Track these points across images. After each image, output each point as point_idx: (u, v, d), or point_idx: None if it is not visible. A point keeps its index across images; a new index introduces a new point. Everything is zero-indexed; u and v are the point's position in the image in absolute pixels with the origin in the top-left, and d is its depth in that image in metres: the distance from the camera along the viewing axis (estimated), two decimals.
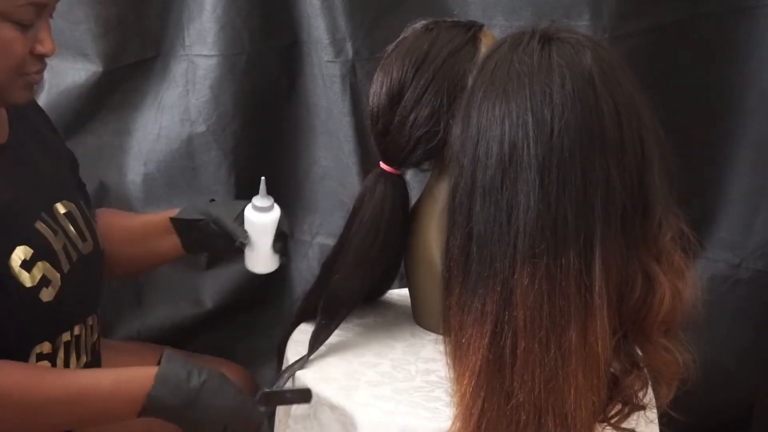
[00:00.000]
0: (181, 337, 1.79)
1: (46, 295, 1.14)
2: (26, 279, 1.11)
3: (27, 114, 1.26)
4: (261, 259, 1.33)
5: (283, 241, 1.36)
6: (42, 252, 1.14)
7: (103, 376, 1.14)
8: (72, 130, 1.79)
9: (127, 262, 1.41)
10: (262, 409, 1.17)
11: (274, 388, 1.19)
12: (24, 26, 1.09)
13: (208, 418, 1.13)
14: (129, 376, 1.13)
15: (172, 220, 1.37)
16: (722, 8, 1.60)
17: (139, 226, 1.42)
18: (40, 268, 1.13)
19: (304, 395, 1.17)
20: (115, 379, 1.12)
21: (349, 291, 1.29)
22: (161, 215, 1.41)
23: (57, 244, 1.17)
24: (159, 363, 1.13)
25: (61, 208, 1.22)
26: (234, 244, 1.32)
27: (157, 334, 1.79)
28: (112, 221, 1.40)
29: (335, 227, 1.65)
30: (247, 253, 1.33)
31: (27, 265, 1.12)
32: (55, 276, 1.15)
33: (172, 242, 1.38)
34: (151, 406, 1.11)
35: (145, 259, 1.44)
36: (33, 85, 1.17)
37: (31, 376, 1.10)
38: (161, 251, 1.40)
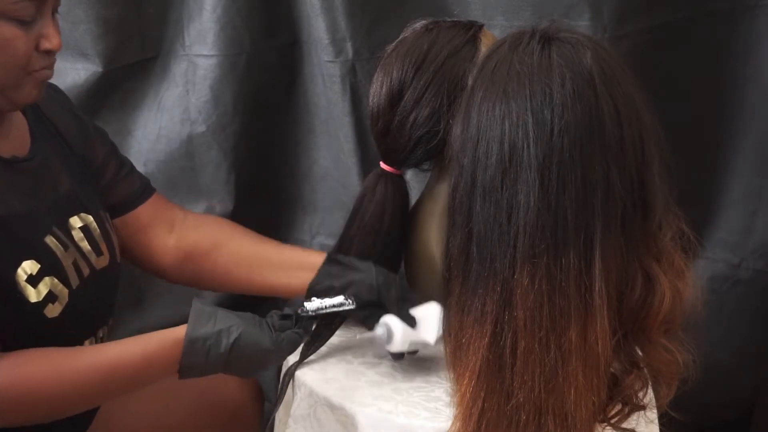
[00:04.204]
0: None
1: (52, 311, 1.12)
2: (31, 294, 1.10)
3: (53, 124, 1.24)
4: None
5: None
6: (49, 267, 1.12)
7: (132, 349, 1.12)
8: None
9: (233, 285, 1.35)
10: (303, 334, 1.16)
11: (310, 312, 1.16)
12: (25, 23, 1.07)
13: (246, 368, 1.13)
14: (158, 345, 1.11)
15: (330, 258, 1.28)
16: (722, 7, 1.60)
17: (286, 257, 1.32)
18: (46, 284, 1.11)
19: (344, 309, 1.16)
20: (145, 350, 1.11)
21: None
22: (310, 255, 1.31)
23: (66, 260, 1.15)
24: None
25: (76, 222, 1.20)
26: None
27: None
28: (241, 246, 1.34)
29: (335, 227, 1.65)
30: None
31: (33, 280, 1.10)
32: (63, 292, 1.13)
33: (300, 279, 1.28)
34: (185, 372, 1.11)
35: (252, 289, 1.36)
36: (43, 82, 1.13)
37: (57, 361, 1.08)
38: (279, 287, 1.31)
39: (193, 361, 1.10)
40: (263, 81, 1.77)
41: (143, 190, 1.36)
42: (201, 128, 1.77)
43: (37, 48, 1.10)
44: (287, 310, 1.17)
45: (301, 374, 1.21)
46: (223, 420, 1.44)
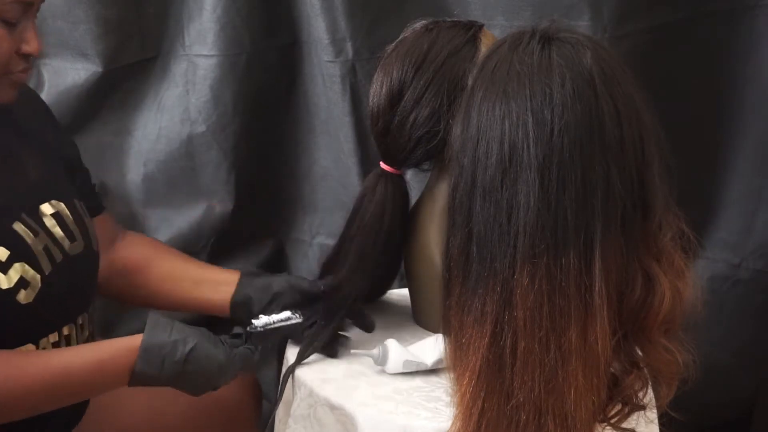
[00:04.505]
0: None
1: (24, 297, 1.12)
2: (2, 281, 1.10)
3: (19, 113, 1.25)
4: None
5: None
6: (19, 253, 1.13)
7: (85, 355, 1.13)
8: (72, 130, 1.79)
9: (150, 299, 1.38)
10: (255, 350, 1.17)
11: (259, 328, 1.18)
12: (10, 24, 1.09)
13: (198, 382, 1.14)
14: (111, 352, 1.12)
15: (245, 271, 1.36)
16: (722, 7, 1.60)
17: (206, 275, 1.38)
18: (17, 270, 1.11)
19: (292, 323, 1.18)
20: (98, 356, 1.12)
21: (348, 291, 1.29)
22: (232, 272, 1.38)
23: (37, 246, 1.15)
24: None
25: (48, 209, 1.20)
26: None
27: None
28: (167, 266, 1.37)
29: (335, 227, 1.65)
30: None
31: (2, 266, 1.10)
32: (35, 278, 1.14)
33: (219, 294, 1.34)
34: (136, 380, 1.11)
35: (181, 305, 1.40)
36: (18, 84, 1.15)
37: (10, 364, 1.09)
38: (202, 300, 1.36)
39: (146, 369, 1.11)
40: (263, 81, 1.77)
41: (95, 207, 1.38)
42: (201, 128, 1.77)
43: (17, 51, 1.12)
44: (237, 330, 1.19)
45: (301, 374, 1.22)
46: (221, 419, 1.44)
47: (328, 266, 1.33)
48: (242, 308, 1.33)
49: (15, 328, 1.11)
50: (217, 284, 1.35)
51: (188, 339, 1.12)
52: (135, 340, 1.12)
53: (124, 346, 1.12)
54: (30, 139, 1.25)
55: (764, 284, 1.67)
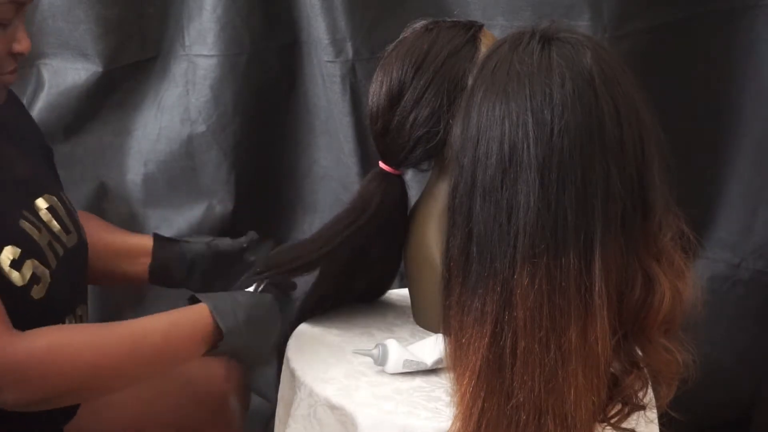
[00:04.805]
0: None
1: (37, 292, 1.14)
2: (17, 278, 1.12)
3: (3, 112, 1.25)
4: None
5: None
6: (29, 250, 1.14)
7: (160, 318, 1.18)
8: (72, 130, 1.79)
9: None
10: None
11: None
12: (2, 25, 1.11)
13: (264, 328, 1.23)
14: (182, 314, 1.19)
15: (156, 235, 1.40)
16: (722, 7, 1.60)
17: (117, 244, 1.42)
18: (29, 267, 1.13)
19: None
20: (171, 318, 1.18)
21: (342, 291, 1.30)
22: (143, 236, 1.43)
23: (42, 241, 1.17)
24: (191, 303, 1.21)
25: (42, 204, 1.22)
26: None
27: None
28: (90, 232, 1.38)
29: None
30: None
31: (16, 264, 1.12)
32: (45, 273, 1.15)
33: (138, 266, 1.40)
34: (218, 333, 1.17)
35: (102, 277, 1.43)
36: (7, 86, 1.17)
37: (92, 332, 1.14)
38: (122, 272, 1.41)
39: (225, 316, 1.16)
40: (263, 81, 1.77)
41: None
42: (201, 128, 1.77)
43: (8, 51, 1.13)
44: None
45: (302, 374, 1.22)
46: (207, 413, 1.44)
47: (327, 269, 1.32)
48: (161, 276, 1.39)
49: (28, 323, 1.12)
50: (135, 256, 1.40)
51: (238, 293, 1.22)
52: (199, 306, 1.19)
53: (191, 309, 1.19)
54: (14, 136, 1.26)
55: (764, 284, 1.67)
